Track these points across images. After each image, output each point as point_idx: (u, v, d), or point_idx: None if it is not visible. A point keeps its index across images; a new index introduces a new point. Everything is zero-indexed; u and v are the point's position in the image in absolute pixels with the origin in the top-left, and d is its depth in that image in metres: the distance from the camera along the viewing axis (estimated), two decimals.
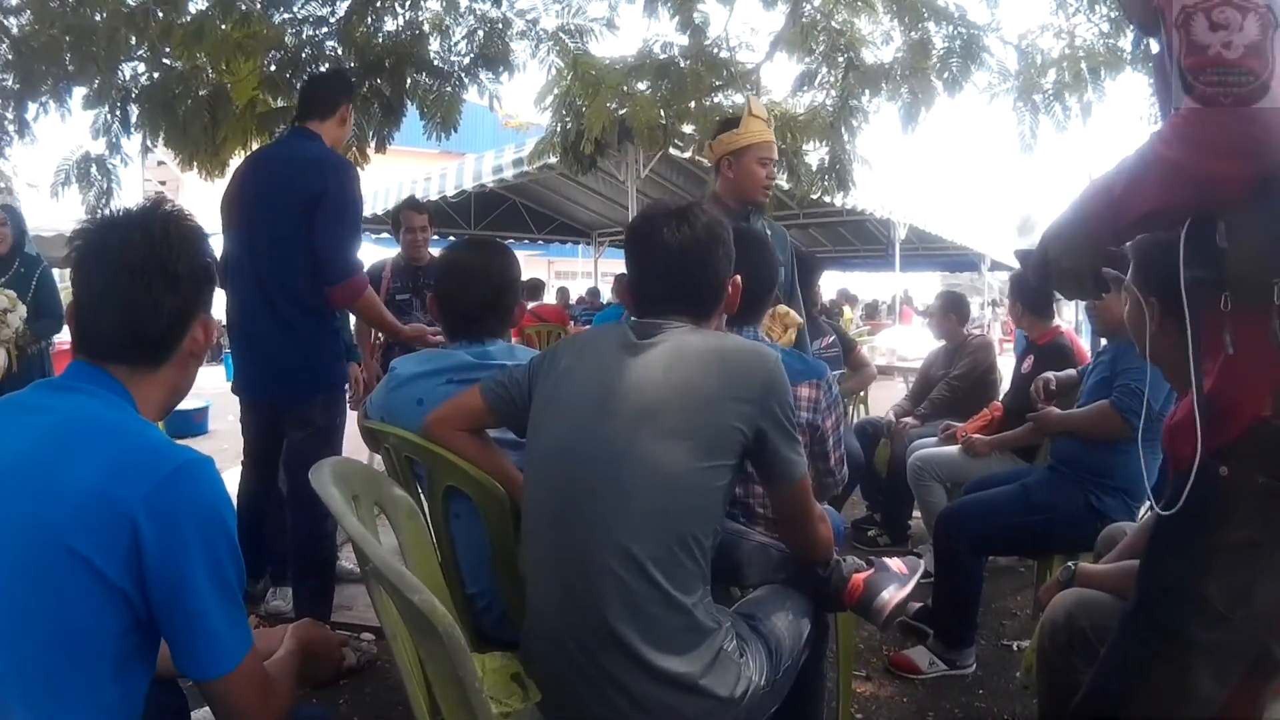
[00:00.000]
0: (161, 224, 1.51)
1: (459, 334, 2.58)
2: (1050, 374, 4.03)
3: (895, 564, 2.31)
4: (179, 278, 1.50)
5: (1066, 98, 5.72)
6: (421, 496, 2.35)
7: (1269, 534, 1.54)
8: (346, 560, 4.21)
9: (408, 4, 5.12)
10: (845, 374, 5.69)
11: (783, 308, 3.43)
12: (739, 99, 6.72)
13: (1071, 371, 4.07)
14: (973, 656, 3.57)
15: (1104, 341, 3.76)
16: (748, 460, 1.93)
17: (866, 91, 6.39)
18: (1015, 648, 3.73)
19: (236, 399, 3.88)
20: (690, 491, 1.81)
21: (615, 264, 17.82)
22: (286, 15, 4.85)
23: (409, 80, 5.14)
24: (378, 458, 2.58)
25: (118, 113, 4.74)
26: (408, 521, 2.05)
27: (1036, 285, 1.89)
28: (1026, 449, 4.36)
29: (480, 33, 5.33)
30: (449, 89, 5.30)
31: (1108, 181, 1.60)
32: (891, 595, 2.21)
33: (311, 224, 3.38)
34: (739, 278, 2.17)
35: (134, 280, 1.47)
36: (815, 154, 6.95)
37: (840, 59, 6.42)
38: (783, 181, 7.28)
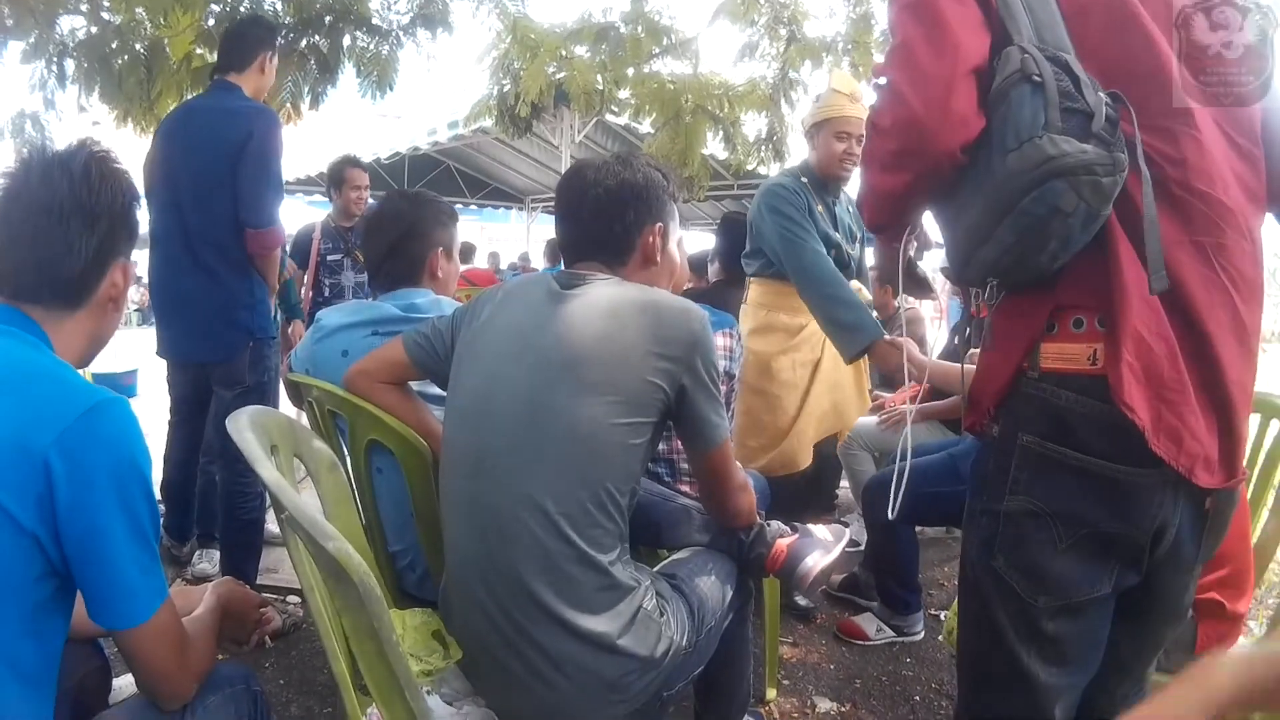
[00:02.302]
0: (84, 163, 1.48)
1: (374, 282, 2.57)
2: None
3: (820, 531, 2.30)
4: (98, 217, 1.47)
5: None
6: (344, 451, 2.29)
7: (1049, 505, 1.46)
8: (273, 523, 4.13)
9: None
10: None
11: (855, 283, 3.61)
12: (679, 67, 6.72)
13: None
14: (920, 623, 3.59)
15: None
16: (669, 419, 1.89)
17: (807, 63, 6.41)
18: (942, 617, 3.76)
19: (163, 363, 3.81)
20: (607, 448, 1.76)
21: (548, 229, 17.74)
22: None
23: (347, 38, 5.03)
24: (304, 416, 2.52)
25: (54, 67, 4.64)
26: (328, 475, 1.99)
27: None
28: (954, 420, 4.39)
29: None
30: (386, 48, 5.20)
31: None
32: (815, 562, 2.19)
33: (236, 172, 3.33)
34: (659, 226, 2.07)
35: (51, 218, 1.44)
36: (753, 124, 6.96)
37: (782, 31, 6.44)
38: (719, 150, 7.29)
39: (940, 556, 4.53)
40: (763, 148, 6.92)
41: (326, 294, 5.40)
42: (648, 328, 1.81)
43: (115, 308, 1.56)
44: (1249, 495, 2.30)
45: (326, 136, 11.01)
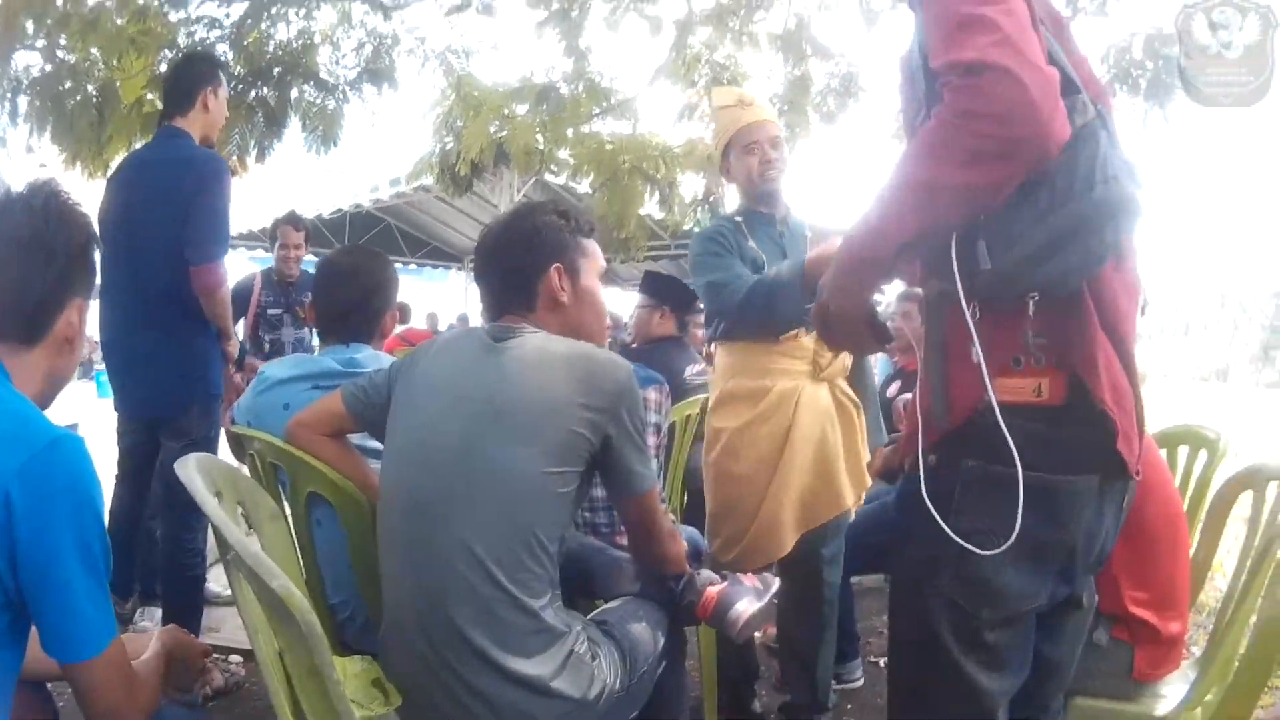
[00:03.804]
0: (45, 199, 1.51)
1: (327, 335, 2.61)
2: (910, 394, 4.15)
3: (750, 579, 2.35)
4: (55, 252, 1.50)
5: None
6: (285, 504, 2.30)
7: (995, 521, 1.51)
8: (215, 583, 4.08)
9: (302, 12, 5.08)
10: None
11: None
12: (618, 127, 6.82)
13: None
14: (859, 669, 3.62)
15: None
16: (595, 468, 1.95)
17: None
18: (882, 664, 3.81)
19: (105, 417, 3.78)
20: (536, 496, 1.83)
21: None
22: (182, 14, 4.84)
23: (294, 91, 5.09)
24: (246, 468, 2.53)
25: (6, 104, 4.65)
26: (270, 524, 2.01)
27: (823, 339, 1.80)
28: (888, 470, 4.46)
29: (369, 47, 5.35)
30: (333, 102, 5.27)
31: (865, 217, 1.56)
32: (746, 607, 2.24)
33: (187, 217, 3.32)
34: (558, 267, 2.10)
35: (10, 251, 1.47)
36: (691, 185, 7.06)
37: None
38: (656, 210, 7.37)
39: (878, 605, 4.57)
40: (699, 208, 7.02)
41: (266, 350, 5.38)
42: (575, 379, 1.88)
43: (71, 348, 1.58)
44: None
45: (270, 191, 11.01)
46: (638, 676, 2.03)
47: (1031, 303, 1.49)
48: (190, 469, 1.64)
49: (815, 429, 2.90)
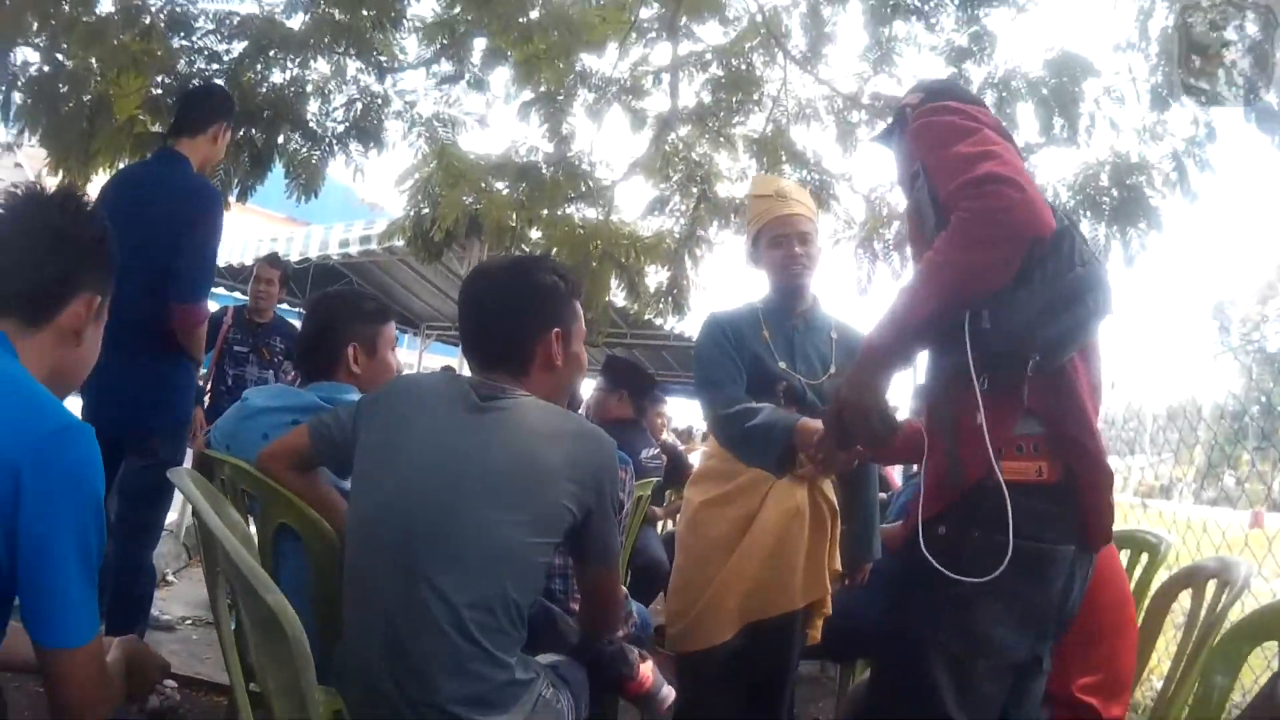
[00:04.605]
0: (62, 195, 1.61)
1: (298, 373, 2.70)
2: None
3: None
4: (66, 239, 1.57)
5: (906, 249, 6.17)
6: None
7: (991, 584, 1.75)
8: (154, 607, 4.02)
9: (298, 60, 5.17)
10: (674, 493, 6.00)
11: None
12: (591, 212, 6.95)
13: (882, 494, 4.29)
14: None
15: (915, 467, 3.98)
16: (569, 538, 1.99)
17: (715, 222, 6.70)
18: None
19: None
20: (519, 563, 1.87)
21: (442, 358, 17.70)
22: (185, 42, 4.89)
23: (282, 136, 5.16)
24: None
25: (0, 96, 4.64)
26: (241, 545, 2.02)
27: (836, 439, 2.08)
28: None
29: (359, 104, 5.45)
30: (318, 153, 5.34)
31: (889, 310, 1.87)
32: (670, 692, 2.35)
33: (176, 249, 3.33)
34: (557, 332, 2.11)
35: (22, 233, 1.55)
36: (655, 277, 7.17)
37: (694, 189, 6.72)
38: (620, 299, 7.47)
39: (816, 693, 4.61)
40: (663, 300, 7.12)
41: (229, 383, 5.37)
42: (565, 453, 1.93)
43: (77, 341, 1.61)
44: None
45: (242, 233, 11.00)
46: None
47: (1031, 365, 1.77)
48: (184, 477, 1.66)
49: (779, 522, 2.86)
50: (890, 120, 2.41)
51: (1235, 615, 2.06)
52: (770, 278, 3.11)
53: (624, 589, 2.28)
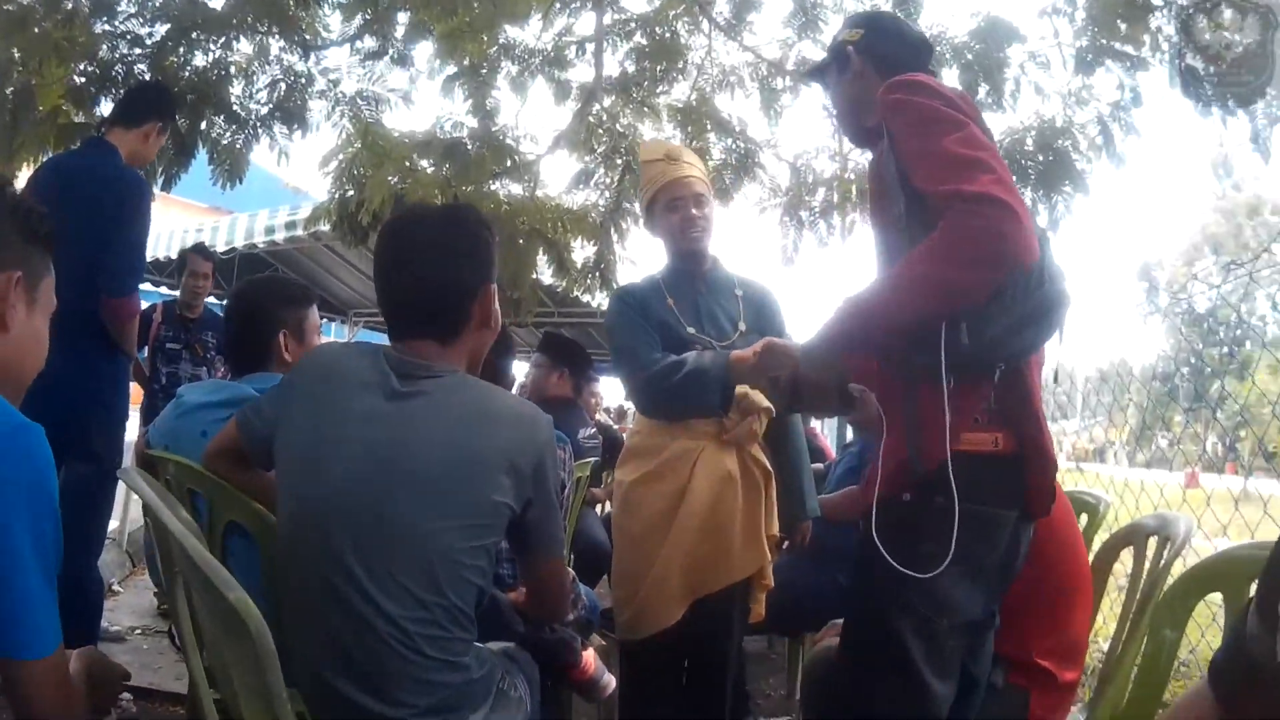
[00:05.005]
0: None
1: (230, 368, 2.66)
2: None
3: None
4: None
5: (832, 216, 6.22)
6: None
7: (956, 549, 1.87)
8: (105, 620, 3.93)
9: (221, 41, 5.05)
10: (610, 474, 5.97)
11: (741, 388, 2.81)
12: (515, 189, 6.89)
13: (818, 465, 4.35)
14: None
15: (850, 435, 4.05)
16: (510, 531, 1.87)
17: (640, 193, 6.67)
18: None
19: None
20: (457, 568, 1.74)
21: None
22: (108, 27, 4.78)
23: (205, 121, 5.05)
24: None
25: None
26: None
27: (785, 405, 2.25)
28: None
29: (283, 84, 5.35)
30: (242, 137, 5.23)
31: (862, 300, 1.97)
32: (610, 680, 2.40)
33: (104, 240, 3.26)
34: (491, 286, 1.94)
35: None
36: (582, 252, 7.13)
37: (619, 160, 6.69)
38: (547, 276, 7.43)
39: (764, 670, 4.66)
40: (590, 275, 7.10)
41: (163, 381, 5.27)
42: (497, 442, 1.79)
43: (3, 327, 1.50)
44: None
45: (166, 225, 10.74)
46: (538, 705, 2.09)
47: (998, 372, 1.92)
48: (135, 477, 1.62)
49: (710, 492, 2.81)
50: (826, 57, 2.43)
51: (1178, 571, 2.08)
52: (668, 244, 3.10)
53: (571, 572, 2.26)
